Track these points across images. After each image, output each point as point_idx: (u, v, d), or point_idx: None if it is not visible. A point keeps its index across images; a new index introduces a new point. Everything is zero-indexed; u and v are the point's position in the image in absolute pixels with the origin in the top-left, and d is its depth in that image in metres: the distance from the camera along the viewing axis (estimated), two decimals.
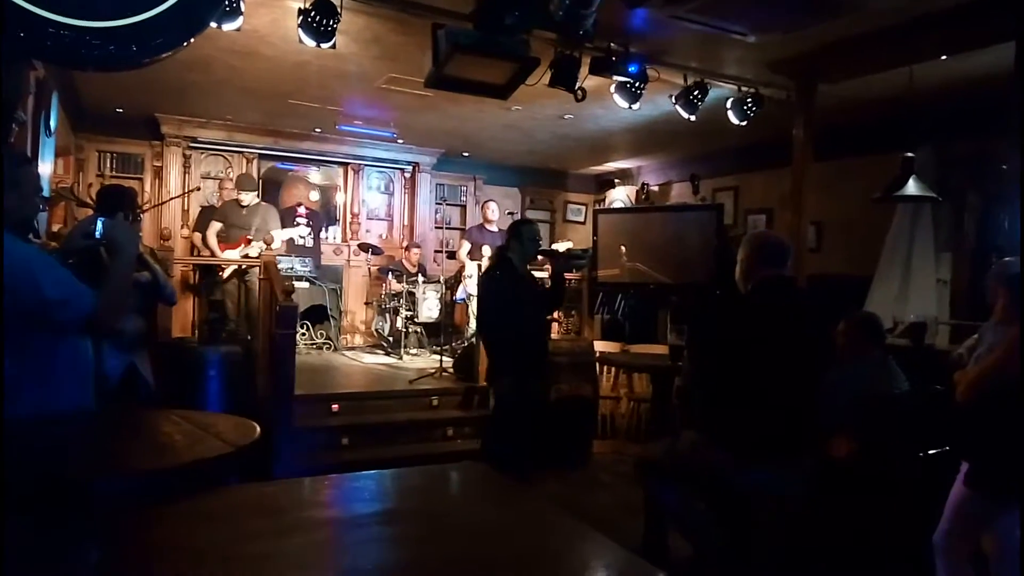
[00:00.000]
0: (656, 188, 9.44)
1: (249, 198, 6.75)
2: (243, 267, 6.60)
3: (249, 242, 6.60)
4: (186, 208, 7.94)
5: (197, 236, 7.55)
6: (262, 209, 6.88)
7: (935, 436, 3.21)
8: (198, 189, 7.79)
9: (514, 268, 4.19)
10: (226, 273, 6.72)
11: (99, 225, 2.12)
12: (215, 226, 6.78)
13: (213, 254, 6.72)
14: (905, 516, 3.10)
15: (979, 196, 5.78)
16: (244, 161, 8.30)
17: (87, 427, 2.14)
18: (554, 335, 6.71)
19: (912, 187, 4.83)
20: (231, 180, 7.86)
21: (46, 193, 5.07)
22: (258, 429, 1.95)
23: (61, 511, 1.40)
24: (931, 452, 3.20)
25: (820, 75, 5.09)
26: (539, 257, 4.39)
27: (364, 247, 8.37)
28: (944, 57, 4.61)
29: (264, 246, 6.53)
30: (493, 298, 4.19)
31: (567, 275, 6.89)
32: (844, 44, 4.62)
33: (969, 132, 5.62)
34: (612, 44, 4.70)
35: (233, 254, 6.60)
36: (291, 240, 7.46)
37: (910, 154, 4.89)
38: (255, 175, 8.35)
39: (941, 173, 5.76)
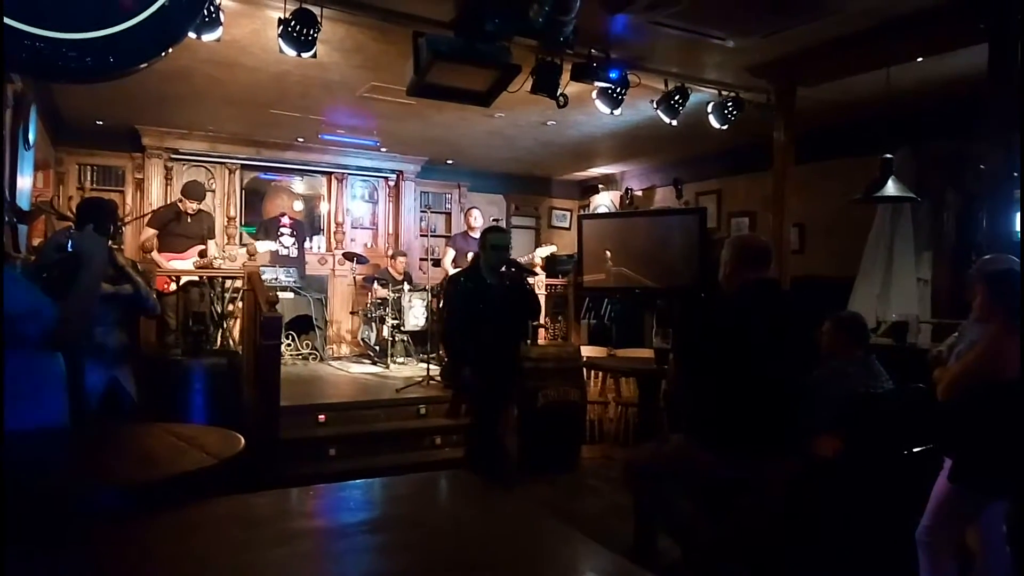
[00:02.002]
0: (640, 193, 9.48)
1: (195, 206, 6.65)
2: (196, 278, 6.49)
3: (204, 252, 6.50)
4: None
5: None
6: (205, 216, 6.80)
7: (918, 433, 3.24)
8: (180, 201, 7.72)
9: (480, 276, 4.13)
10: (171, 287, 6.53)
11: (70, 238, 2.11)
12: (147, 232, 6.55)
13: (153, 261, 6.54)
14: (889, 513, 3.12)
15: (957, 195, 5.85)
16: (226, 172, 8.25)
17: (70, 442, 2.12)
18: (541, 340, 6.73)
19: (892, 188, 4.88)
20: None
21: (26, 207, 5.02)
22: (243, 441, 1.93)
23: (44, 527, 1.38)
24: (915, 449, 3.23)
25: (799, 78, 5.14)
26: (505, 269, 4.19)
27: (349, 256, 8.35)
28: (920, 59, 4.67)
29: (247, 256, 6.48)
30: (448, 305, 4.22)
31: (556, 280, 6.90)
32: (822, 47, 4.67)
33: (946, 132, 5.70)
34: (593, 50, 4.73)
35: (185, 264, 6.49)
36: (275, 250, 7.41)
37: (889, 155, 4.95)
38: (237, 185, 8.30)
39: (920, 173, 5.83)
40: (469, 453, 4.38)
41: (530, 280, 5.06)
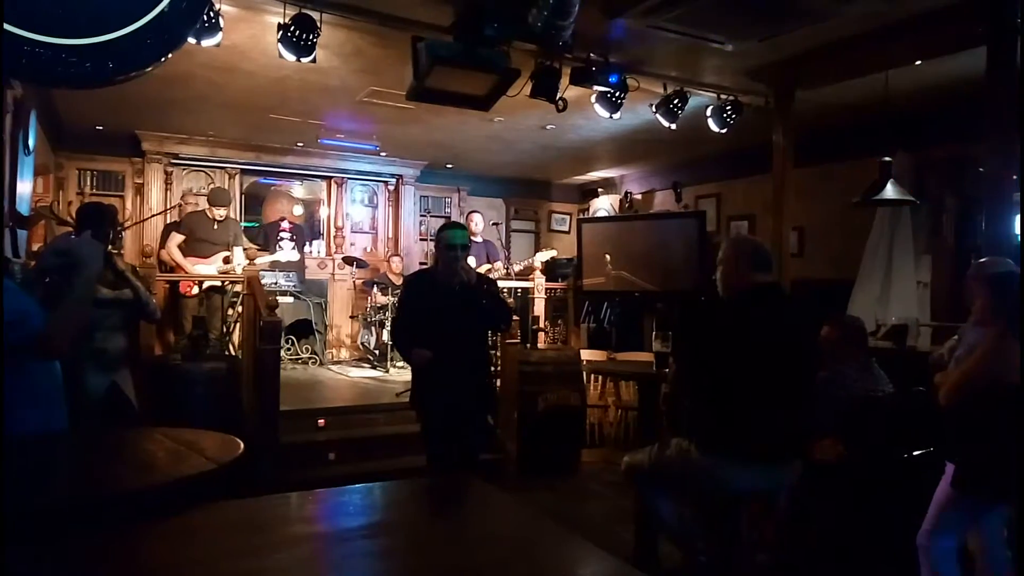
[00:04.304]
0: (639, 196, 9.49)
1: (222, 213, 6.70)
2: (218, 283, 6.53)
3: (229, 259, 6.53)
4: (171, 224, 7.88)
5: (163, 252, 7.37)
6: (232, 223, 6.83)
7: (919, 437, 3.23)
8: (180, 206, 7.75)
9: (435, 278, 3.68)
10: (194, 291, 6.57)
11: (70, 243, 2.11)
12: (176, 238, 6.59)
13: (179, 267, 6.56)
14: (890, 517, 3.12)
15: (956, 199, 5.86)
16: (226, 176, 8.26)
17: (68, 447, 2.11)
18: (541, 344, 6.72)
19: (891, 191, 4.89)
20: (193, 193, 7.79)
21: (26, 212, 5.03)
22: (242, 445, 1.93)
23: (43, 533, 1.38)
24: (915, 453, 3.23)
25: (798, 82, 5.15)
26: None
27: (349, 260, 8.35)
28: (918, 62, 4.68)
29: (247, 262, 6.48)
30: (398, 306, 3.83)
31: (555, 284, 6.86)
32: (820, 51, 4.68)
33: (945, 136, 5.70)
34: (592, 55, 4.74)
35: (209, 269, 6.51)
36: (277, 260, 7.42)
37: (888, 158, 4.95)
38: (237, 190, 8.30)
39: (919, 177, 5.84)
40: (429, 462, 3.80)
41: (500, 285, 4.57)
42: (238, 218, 8.26)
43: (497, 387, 5.17)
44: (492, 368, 4.54)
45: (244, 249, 6.73)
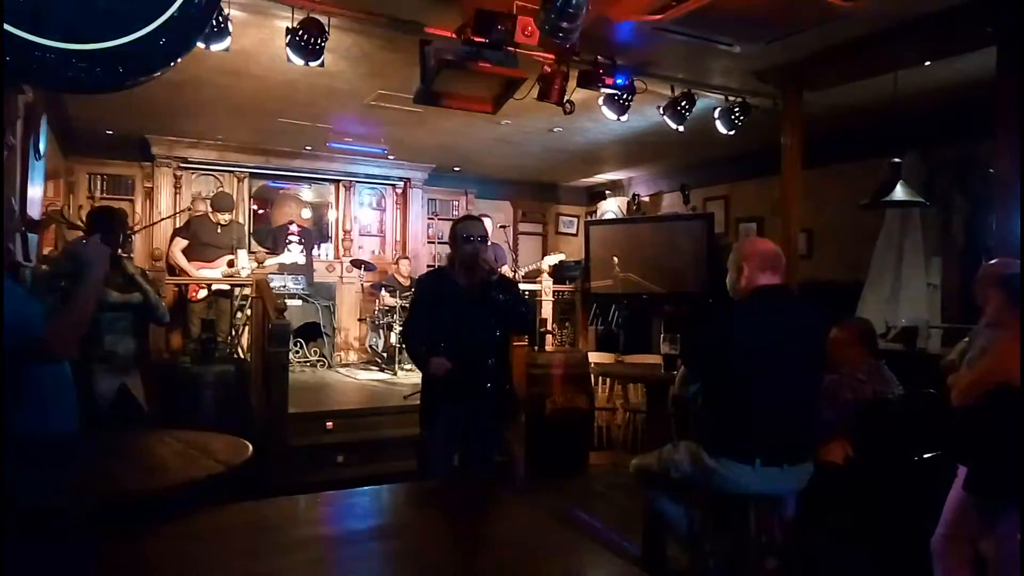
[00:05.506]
0: (647, 199, 9.47)
1: (226, 218, 6.71)
2: (225, 287, 6.55)
3: (232, 263, 6.56)
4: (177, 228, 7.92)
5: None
6: (236, 227, 6.87)
7: (929, 440, 3.21)
8: (189, 209, 7.79)
9: (448, 275, 3.45)
10: (200, 294, 6.61)
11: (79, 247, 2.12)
12: (180, 243, 6.65)
13: (182, 271, 6.60)
14: (902, 521, 3.10)
15: (966, 200, 5.82)
16: (235, 180, 8.29)
17: (80, 449, 2.13)
18: (549, 347, 6.72)
19: (900, 192, 4.86)
20: (202, 197, 7.82)
21: (36, 216, 5.06)
22: (251, 448, 1.94)
23: (53, 533, 1.39)
24: (926, 456, 3.20)
25: (806, 83, 5.13)
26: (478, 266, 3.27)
27: (357, 263, 8.37)
28: (927, 63, 4.66)
29: (256, 264, 6.51)
30: (411, 309, 3.62)
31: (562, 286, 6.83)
32: (829, 52, 4.67)
33: (954, 136, 5.68)
34: (599, 57, 4.73)
35: (214, 272, 6.55)
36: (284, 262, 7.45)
37: (897, 159, 4.93)
38: (246, 194, 8.34)
39: (928, 178, 5.81)
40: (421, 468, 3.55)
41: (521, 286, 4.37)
42: (245, 222, 8.31)
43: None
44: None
45: (250, 252, 6.76)
